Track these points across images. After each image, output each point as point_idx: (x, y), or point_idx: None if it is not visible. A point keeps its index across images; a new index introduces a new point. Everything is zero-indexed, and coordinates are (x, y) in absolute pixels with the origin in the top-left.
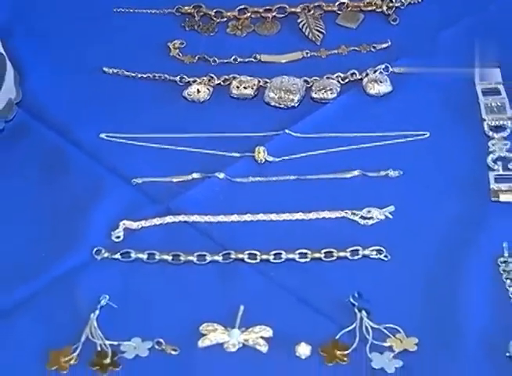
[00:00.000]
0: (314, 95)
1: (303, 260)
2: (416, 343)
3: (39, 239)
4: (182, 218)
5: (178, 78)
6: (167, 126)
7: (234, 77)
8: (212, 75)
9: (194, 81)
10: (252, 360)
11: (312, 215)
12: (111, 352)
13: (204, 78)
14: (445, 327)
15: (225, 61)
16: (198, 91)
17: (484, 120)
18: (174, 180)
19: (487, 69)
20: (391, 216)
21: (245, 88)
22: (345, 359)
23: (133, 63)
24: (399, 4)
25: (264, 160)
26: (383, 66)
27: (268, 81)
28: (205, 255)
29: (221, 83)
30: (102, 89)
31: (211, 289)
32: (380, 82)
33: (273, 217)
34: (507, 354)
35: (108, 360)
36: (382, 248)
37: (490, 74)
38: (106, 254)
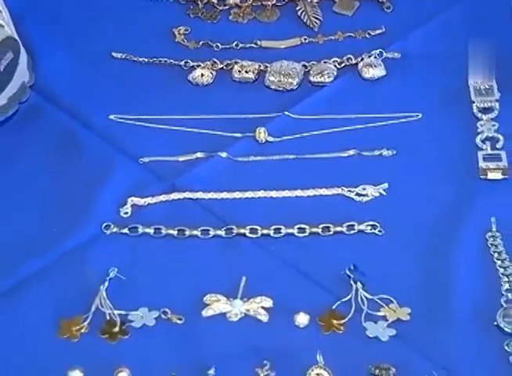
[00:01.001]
0: (312, 78)
1: (301, 235)
2: (408, 313)
3: (52, 215)
4: (186, 195)
5: (182, 63)
6: (172, 108)
7: (236, 62)
8: (215, 60)
9: (198, 66)
10: (253, 329)
11: (310, 192)
12: (120, 322)
13: (208, 63)
14: (436, 297)
15: (228, 47)
16: (202, 75)
17: (473, 102)
18: (180, 159)
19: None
20: (384, 193)
21: (246, 72)
22: (341, 328)
23: (140, 48)
24: None
25: (264, 141)
26: (377, 51)
27: (268, 65)
28: (208, 230)
29: (224, 67)
30: (111, 73)
31: (214, 262)
32: (375, 66)
33: (273, 194)
34: (495, 323)
35: (117, 329)
36: (376, 223)
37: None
38: (114, 229)
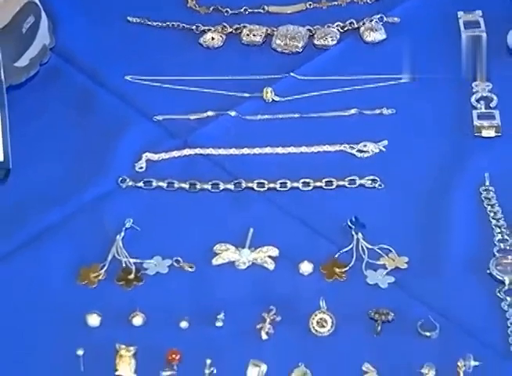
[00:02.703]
0: (316, 42)
1: (306, 188)
2: (406, 261)
3: (71, 169)
4: (197, 151)
5: (194, 27)
6: (184, 69)
7: (244, 26)
8: (225, 24)
9: (209, 30)
10: (260, 277)
11: (314, 149)
12: (135, 269)
13: (218, 27)
14: (432, 247)
15: (237, 12)
16: (212, 38)
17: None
18: (191, 117)
19: None
20: (384, 149)
21: (254, 35)
22: (343, 275)
23: (155, 13)
24: None
25: (271, 100)
26: (378, 16)
27: (275, 29)
28: (218, 184)
29: (233, 31)
30: (127, 36)
31: (224, 214)
32: (376, 30)
33: (279, 150)
34: (488, 271)
35: (132, 276)
36: (376, 178)
37: None
38: (130, 183)
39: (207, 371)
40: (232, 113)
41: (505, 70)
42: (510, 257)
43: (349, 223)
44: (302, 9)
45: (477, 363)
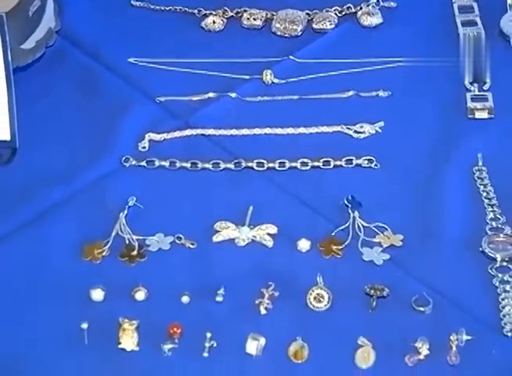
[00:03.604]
0: (314, 25)
1: (304, 168)
2: (401, 239)
3: (75, 149)
4: (199, 131)
5: (196, 11)
6: (186, 52)
7: (245, 10)
8: (226, 8)
9: (210, 14)
10: (259, 253)
11: (312, 130)
12: (138, 246)
13: (219, 11)
14: (427, 225)
15: None
16: (213, 22)
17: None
18: (193, 99)
19: None
20: (380, 131)
21: (254, 19)
22: (340, 252)
23: None
24: None
25: (271, 82)
26: (375, 0)
27: (274, 13)
28: (219, 163)
29: (234, 15)
30: (130, 20)
31: (224, 192)
32: (372, 15)
33: (278, 131)
34: (480, 249)
35: (135, 252)
36: (372, 158)
37: None
38: (133, 162)
39: (207, 344)
40: (233, 95)
41: (498, 54)
42: (501, 235)
43: (346, 202)
44: None
45: (469, 337)
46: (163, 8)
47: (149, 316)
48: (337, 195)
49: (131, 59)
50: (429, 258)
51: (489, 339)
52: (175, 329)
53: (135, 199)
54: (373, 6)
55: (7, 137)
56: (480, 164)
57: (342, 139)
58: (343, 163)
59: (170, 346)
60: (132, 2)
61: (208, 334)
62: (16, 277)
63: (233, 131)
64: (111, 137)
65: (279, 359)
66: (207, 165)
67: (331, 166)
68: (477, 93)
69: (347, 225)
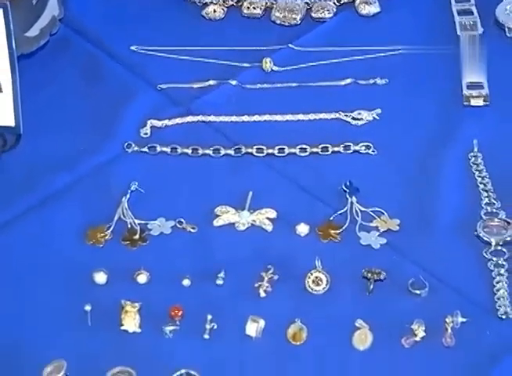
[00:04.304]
0: (313, 14)
1: (303, 154)
2: (398, 224)
3: (79, 135)
4: (200, 118)
5: (197, 0)
6: (188, 40)
7: None
8: None
9: (211, 2)
10: (259, 237)
11: (311, 117)
12: (139, 230)
13: (219, 0)
14: (423, 210)
15: None
16: (214, 11)
17: (459, 36)
18: (194, 86)
19: None
20: (377, 117)
21: (254, 8)
22: (338, 237)
23: None
24: None
25: (270, 70)
26: None
27: (274, 2)
28: (219, 150)
29: (234, 4)
30: (133, 9)
31: (224, 178)
32: (370, 4)
33: (278, 118)
34: (475, 233)
35: (137, 236)
36: (370, 144)
37: None
38: (135, 148)
39: (207, 326)
40: (233, 83)
41: (493, 42)
42: (496, 219)
43: (344, 187)
44: None
45: (464, 320)
46: None
47: (150, 298)
48: (335, 180)
49: (133, 47)
50: (425, 242)
51: (484, 321)
52: (176, 311)
53: (137, 184)
54: None
55: (11, 123)
56: (475, 150)
57: (340, 125)
58: (341, 149)
59: (171, 328)
60: None
61: (209, 317)
62: (20, 261)
63: (233, 118)
64: (114, 124)
65: (278, 340)
66: (207, 151)
67: (329, 152)
68: (473, 81)
69: (345, 210)
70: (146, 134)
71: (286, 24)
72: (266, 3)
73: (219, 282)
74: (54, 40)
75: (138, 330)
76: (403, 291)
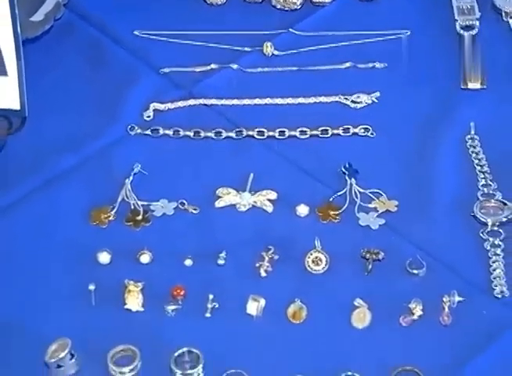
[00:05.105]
0: None
1: (303, 136)
2: (396, 205)
3: (83, 118)
4: (202, 101)
5: None
6: (190, 25)
7: None
8: None
9: None
10: (259, 218)
11: (311, 100)
12: (142, 211)
13: None
14: (421, 191)
15: None
16: None
17: (457, 20)
18: (196, 70)
19: None
20: (376, 101)
21: None
22: (337, 217)
23: None
24: None
25: (271, 54)
26: None
27: None
28: (221, 132)
29: None
30: None
31: (226, 160)
32: None
33: (278, 101)
34: (472, 213)
35: (140, 217)
36: (369, 127)
37: None
38: (138, 131)
39: (209, 306)
40: (234, 66)
41: (490, 27)
42: (492, 201)
43: (343, 169)
44: None
45: (461, 299)
46: None
47: (153, 278)
48: (335, 162)
49: (136, 32)
50: (423, 222)
51: (480, 300)
52: (179, 291)
53: (140, 166)
54: None
55: (17, 106)
56: (472, 132)
57: (340, 108)
58: (340, 132)
59: (173, 307)
60: None
61: (210, 296)
62: (26, 241)
63: (235, 101)
64: (117, 107)
65: (278, 319)
66: (209, 134)
67: (329, 135)
68: (471, 64)
69: (344, 191)
70: (149, 117)
71: (287, 9)
72: None
73: (221, 262)
74: (58, 25)
75: (141, 309)
76: (401, 271)
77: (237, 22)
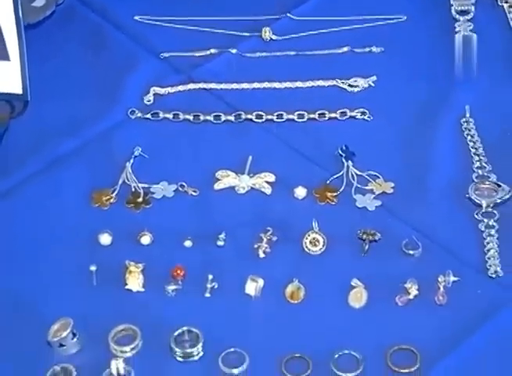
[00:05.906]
0: None
1: (301, 120)
2: (392, 186)
3: (84, 102)
4: (201, 85)
5: None
6: (189, 10)
7: None
8: None
9: None
10: (258, 200)
11: (309, 84)
12: (143, 193)
13: None
14: (417, 173)
15: None
16: None
17: (452, 5)
18: (196, 54)
19: None
20: (373, 85)
21: None
22: (334, 199)
23: None
24: None
25: (269, 39)
26: None
27: None
28: (220, 116)
29: None
30: None
31: (225, 143)
32: None
33: (276, 85)
34: (467, 195)
35: (140, 199)
36: (366, 110)
37: None
38: (139, 115)
39: (208, 286)
40: (233, 51)
41: (486, 11)
42: (487, 182)
43: (340, 152)
44: None
45: (456, 279)
46: None
47: (154, 259)
48: (332, 145)
49: (136, 17)
50: (418, 204)
51: (475, 280)
52: (179, 271)
53: (140, 149)
54: None
55: (19, 91)
56: (467, 115)
57: (337, 92)
58: (338, 115)
59: (173, 287)
60: None
61: (210, 276)
62: (28, 223)
63: (234, 86)
64: (118, 91)
65: (276, 299)
66: (208, 117)
67: (326, 118)
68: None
69: (341, 173)
70: (150, 101)
71: None
72: None
73: (220, 243)
74: (60, 10)
75: (142, 290)
76: (397, 252)
77: (236, 7)
